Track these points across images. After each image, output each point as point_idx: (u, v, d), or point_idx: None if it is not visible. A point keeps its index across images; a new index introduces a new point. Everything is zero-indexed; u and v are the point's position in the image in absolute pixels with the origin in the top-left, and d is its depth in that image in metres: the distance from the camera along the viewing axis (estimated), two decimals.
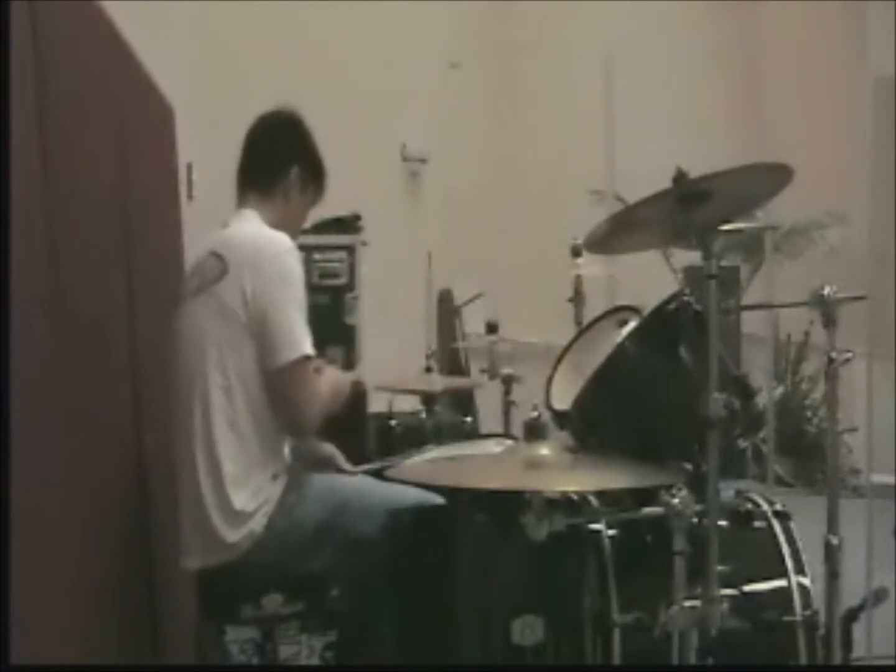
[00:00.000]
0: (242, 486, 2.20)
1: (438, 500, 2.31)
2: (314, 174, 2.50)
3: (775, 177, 2.07)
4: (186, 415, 2.25)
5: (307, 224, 2.71)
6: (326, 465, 2.52)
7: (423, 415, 3.60)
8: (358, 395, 3.26)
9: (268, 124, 2.50)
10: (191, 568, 2.26)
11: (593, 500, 2.38)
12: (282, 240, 2.30)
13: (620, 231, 2.17)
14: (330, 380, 2.39)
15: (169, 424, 2.35)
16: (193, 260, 2.39)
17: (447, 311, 5.83)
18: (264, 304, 2.21)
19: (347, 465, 2.58)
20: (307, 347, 2.23)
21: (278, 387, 2.24)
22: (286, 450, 2.34)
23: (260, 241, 2.30)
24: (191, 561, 2.26)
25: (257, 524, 2.20)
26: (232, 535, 2.19)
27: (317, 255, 3.80)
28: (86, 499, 1.95)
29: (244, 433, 2.22)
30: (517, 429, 2.57)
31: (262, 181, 2.43)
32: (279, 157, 2.44)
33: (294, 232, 2.45)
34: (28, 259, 1.66)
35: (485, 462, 2.27)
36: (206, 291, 2.27)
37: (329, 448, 2.56)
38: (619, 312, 2.53)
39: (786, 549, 2.22)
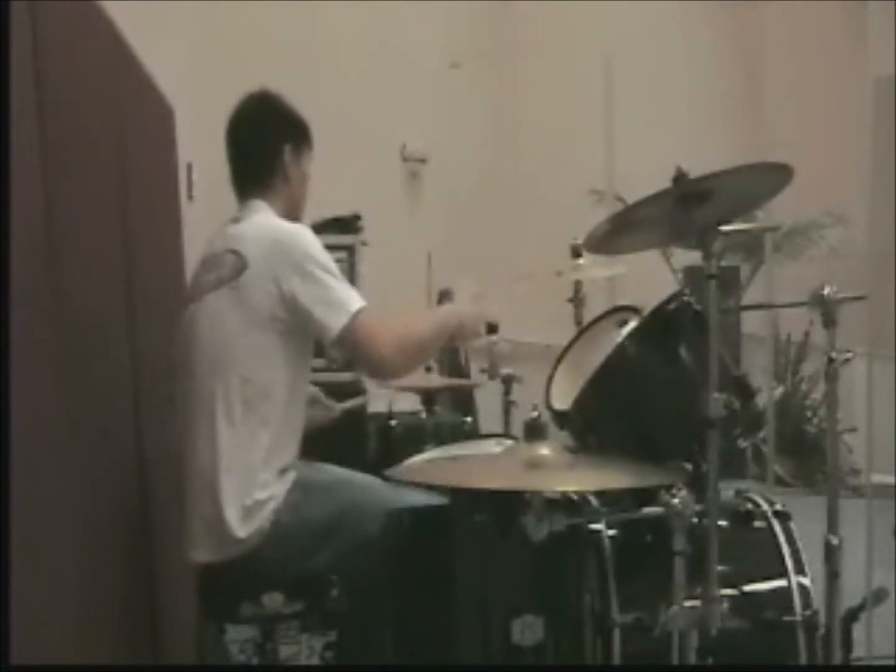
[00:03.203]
0: (255, 481, 2.20)
1: (441, 500, 2.31)
2: (303, 137, 2.49)
3: (775, 177, 2.07)
4: (205, 410, 2.23)
5: (306, 223, 2.70)
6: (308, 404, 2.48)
7: (423, 415, 3.61)
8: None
9: (245, 115, 2.47)
10: (198, 561, 2.25)
11: (593, 500, 2.38)
12: (294, 227, 2.32)
13: (620, 231, 2.16)
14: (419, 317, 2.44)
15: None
16: (208, 255, 2.36)
17: None
18: (296, 290, 2.20)
19: (329, 402, 2.65)
20: (354, 304, 2.22)
21: (346, 352, 2.30)
22: (296, 446, 2.33)
23: (274, 233, 2.30)
24: (198, 554, 2.25)
25: (266, 520, 2.20)
26: (242, 530, 2.18)
27: None
28: (86, 499, 1.95)
29: (261, 426, 2.21)
30: (517, 429, 2.56)
31: (259, 171, 2.42)
32: (269, 144, 2.43)
33: (301, 205, 2.49)
34: (28, 260, 1.66)
35: (485, 462, 2.26)
36: (225, 286, 2.25)
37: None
38: (619, 312, 2.53)
39: (786, 549, 2.22)
